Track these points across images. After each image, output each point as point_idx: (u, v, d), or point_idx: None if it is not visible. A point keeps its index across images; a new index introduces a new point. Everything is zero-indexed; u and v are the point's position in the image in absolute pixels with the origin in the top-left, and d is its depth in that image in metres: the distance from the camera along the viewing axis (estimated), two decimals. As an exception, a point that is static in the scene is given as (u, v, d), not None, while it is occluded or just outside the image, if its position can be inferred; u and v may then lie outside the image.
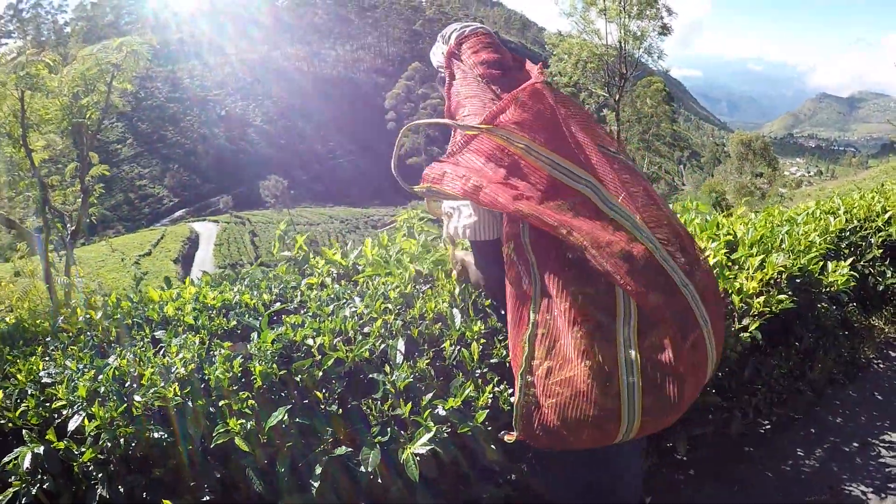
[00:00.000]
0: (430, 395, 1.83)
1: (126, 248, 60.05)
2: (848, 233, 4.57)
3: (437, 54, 2.07)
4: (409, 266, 2.50)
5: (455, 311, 2.13)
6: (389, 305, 2.21)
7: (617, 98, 38.02)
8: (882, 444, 3.28)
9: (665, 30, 36.16)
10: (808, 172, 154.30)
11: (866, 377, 4.12)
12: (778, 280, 2.92)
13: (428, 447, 1.69)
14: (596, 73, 37.67)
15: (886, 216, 4.76)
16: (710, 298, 1.65)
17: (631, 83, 42.37)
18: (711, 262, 2.75)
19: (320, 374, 1.88)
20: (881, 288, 4.56)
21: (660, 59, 38.75)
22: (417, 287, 2.41)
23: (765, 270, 2.84)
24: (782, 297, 2.79)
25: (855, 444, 3.27)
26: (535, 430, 1.61)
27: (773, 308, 2.76)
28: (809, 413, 3.54)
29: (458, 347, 2.02)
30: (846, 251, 4.47)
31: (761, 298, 2.71)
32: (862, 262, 4.54)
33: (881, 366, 4.33)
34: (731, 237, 3.16)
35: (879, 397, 3.87)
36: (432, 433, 1.71)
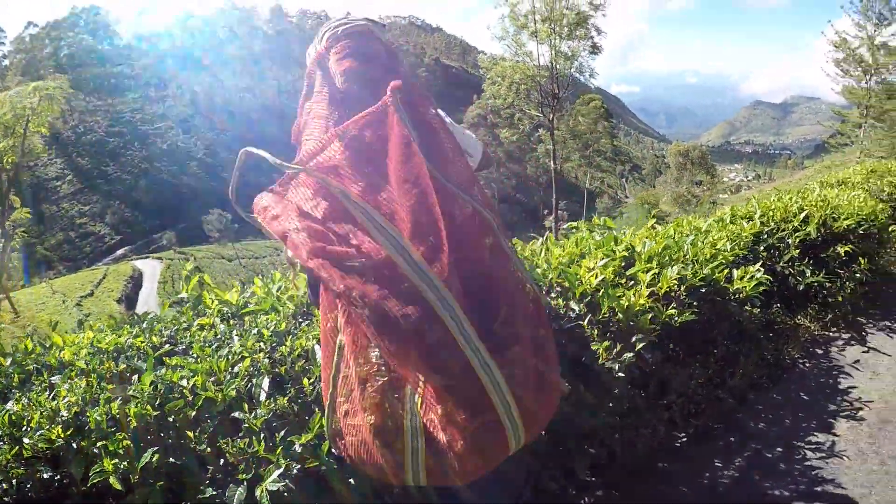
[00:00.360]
0: (283, 432, 1.82)
1: (68, 290, 57.79)
2: (766, 235, 4.57)
3: (310, 56, 1.85)
4: (286, 303, 2.49)
5: (317, 347, 2.06)
6: (262, 344, 2.18)
7: (551, 118, 38.48)
8: (808, 447, 3.22)
9: (595, 49, 36.84)
10: (747, 177, 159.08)
11: (791, 378, 4.09)
12: (676, 292, 2.83)
13: (280, 483, 1.70)
14: (530, 94, 38.09)
15: (802, 216, 4.80)
16: (529, 377, 1.51)
17: (569, 102, 43.01)
18: (595, 281, 2.62)
19: (193, 413, 1.91)
20: (801, 287, 4.56)
21: (592, 77, 39.46)
22: (297, 323, 2.38)
23: (659, 284, 2.74)
24: (673, 311, 2.69)
25: (779, 449, 3.20)
26: (344, 456, 1.58)
27: (677, 321, 2.66)
28: (730, 420, 3.47)
29: (319, 384, 1.95)
30: (764, 254, 4.46)
31: (648, 315, 2.57)
32: (781, 264, 4.55)
33: (807, 365, 4.31)
34: (627, 252, 3.05)
35: (805, 397, 3.84)
36: (282, 469, 1.73)
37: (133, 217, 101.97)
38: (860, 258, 4.97)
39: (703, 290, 2.99)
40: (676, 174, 60.21)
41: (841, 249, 4.82)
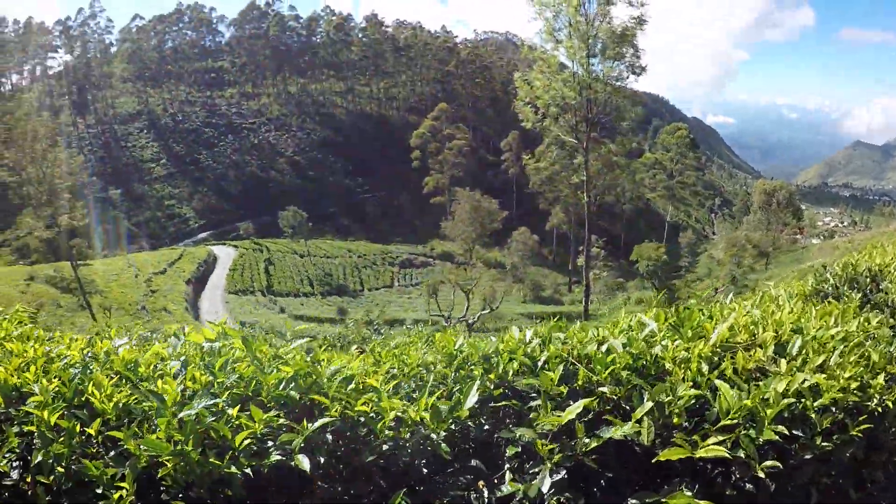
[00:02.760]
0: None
1: (144, 265, 60.03)
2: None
3: None
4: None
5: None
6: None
7: (585, 145, 35.91)
8: None
9: (637, 69, 34.13)
10: (843, 223, 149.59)
11: None
12: None
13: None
14: (566, 117, 35.34)
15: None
16: None
17: (654, 126, 40.96)
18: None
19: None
20: None
21: (635, 105, 36.66)
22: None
23: None
24: None
25: None
26: None
27: None
28: None
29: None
30: None
31: None
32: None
33: None
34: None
35: None
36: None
37: (217, 204, 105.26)
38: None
39: None
40: (760, 215, 56.82)
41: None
